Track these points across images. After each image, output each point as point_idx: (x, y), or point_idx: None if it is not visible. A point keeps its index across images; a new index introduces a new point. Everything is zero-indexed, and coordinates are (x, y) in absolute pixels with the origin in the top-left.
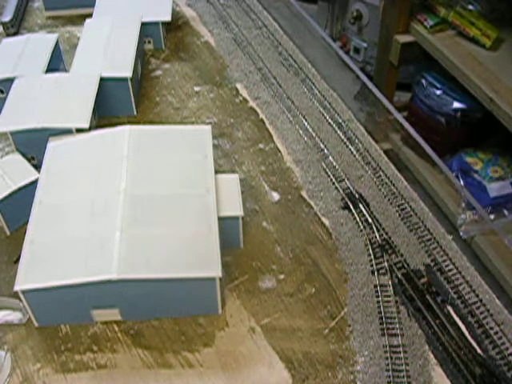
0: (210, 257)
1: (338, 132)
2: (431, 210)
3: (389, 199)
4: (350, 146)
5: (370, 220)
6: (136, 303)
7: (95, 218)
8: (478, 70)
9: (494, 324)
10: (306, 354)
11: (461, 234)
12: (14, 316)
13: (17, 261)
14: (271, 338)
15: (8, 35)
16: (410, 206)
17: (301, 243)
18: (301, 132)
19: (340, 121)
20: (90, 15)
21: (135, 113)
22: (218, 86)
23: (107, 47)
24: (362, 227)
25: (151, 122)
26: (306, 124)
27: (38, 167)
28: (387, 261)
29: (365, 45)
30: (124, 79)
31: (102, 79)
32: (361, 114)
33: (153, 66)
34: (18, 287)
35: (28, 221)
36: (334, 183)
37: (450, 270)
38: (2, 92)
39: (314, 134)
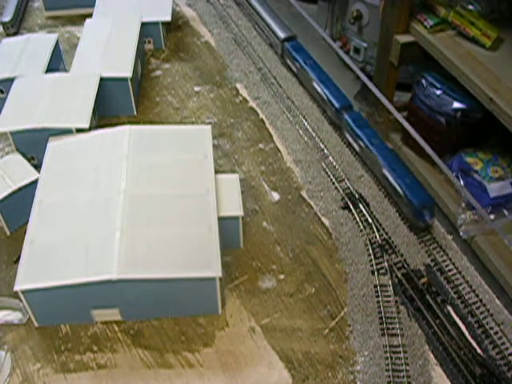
0: (210, 257)
1: (338, 132)
2: None
3: (389, 199)
4: (350, 146)
5: (370, 220)
6: (136, 303)
7: (95, 217)
8: (478, 69)
9: (494, 324)
10: (305, 354)
11: (461, 234)
12: (14, 316)
13: (17, 261)
14: (271, 338)
15: (8, 35)
16: None
17: (301, 243)
18: (301, 132)
19: None
20: (90, 15)
21: (135, 113)
22: (218, 86)
23: (107, 47)
24: (362, 227)
25: (151, 122)
26: (305, 124)
27: (38, 167)
28: (387, 261)
29: (365, 45)
30: (124, 79)
31: (102, 79)
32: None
33: (153, 66)
34: (18, 287)
35: (28, 221)
36: (334, 183)
37: (449, 270)
38: (2, 92)
39: (313, 134)
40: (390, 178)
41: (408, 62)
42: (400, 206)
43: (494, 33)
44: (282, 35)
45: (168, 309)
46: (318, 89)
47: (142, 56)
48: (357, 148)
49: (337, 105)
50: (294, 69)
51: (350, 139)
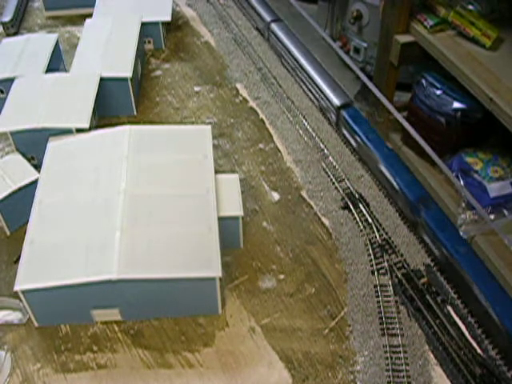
0: (210, 257)
1: (338, 132)
2: None
3: (389, 199)
4: (350, 146)
5: (370, 220)
6: (136, 303)
7: (95, 217)
8: (478, 70)
9: None
10: (305, 354)
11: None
12: (14, 316)
13: (17, 261)
14: (271, 338)
15: (8, 35)
16: None
17: (301, 243)
18: (301, 132)
19: None
20: (90, 15)
21: (135, 113)
22: (218, 86)
23: (107, 47)
24: (362, 227)
25: (151, 122)
26: (305, 124)
27: (38, 167)
28: (387, 261)
29: (365, 45)
30: (124, 79)
31: (102, 79)
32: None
33: (153, 66)
34: (18, 287)
35: (28, 221)
36: (334, 183)
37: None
38: (2, 92)
39: (313, 134)
40: (488, 308)
41: (408, 62)
42: (495, 336)
43: (494, 33)
44: (337, 102)
45: (168, 309)
46: (387, 174)
47: (142, 56)
48: (437, 254)
49: (411, 197)
50: (353, 141)
51: (429, 242)
